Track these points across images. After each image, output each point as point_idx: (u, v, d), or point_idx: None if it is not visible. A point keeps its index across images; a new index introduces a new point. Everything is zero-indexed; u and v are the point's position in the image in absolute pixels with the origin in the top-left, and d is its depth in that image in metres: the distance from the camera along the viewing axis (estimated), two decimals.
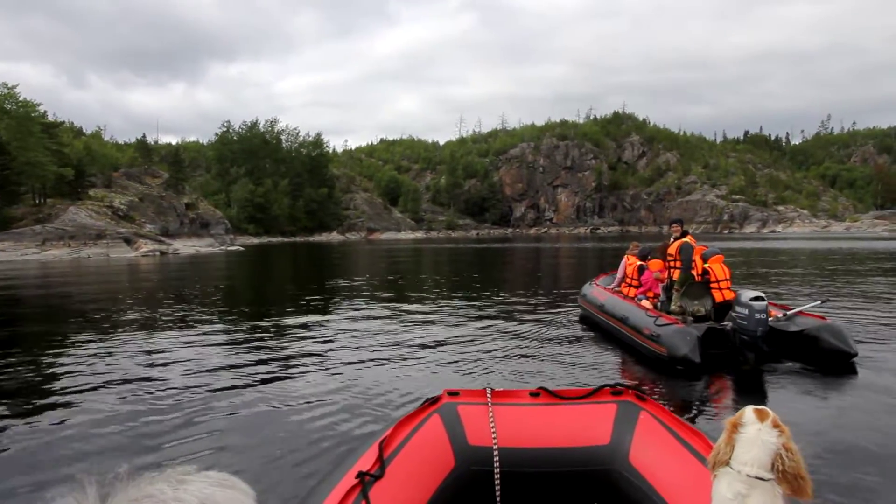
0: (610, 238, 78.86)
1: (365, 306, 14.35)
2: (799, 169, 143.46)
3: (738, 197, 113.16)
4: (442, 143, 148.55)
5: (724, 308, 8.71)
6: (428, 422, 3.02)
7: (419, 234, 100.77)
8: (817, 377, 7.40)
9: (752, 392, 7.11)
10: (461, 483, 2.85)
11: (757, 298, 7.29)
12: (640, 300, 9.43)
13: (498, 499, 2.87)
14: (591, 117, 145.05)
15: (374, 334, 10.39)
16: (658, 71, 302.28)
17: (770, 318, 7.42)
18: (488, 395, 3.17)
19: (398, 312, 13.08)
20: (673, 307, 8.69)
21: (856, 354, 7.50)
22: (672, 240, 9.53)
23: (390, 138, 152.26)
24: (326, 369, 7.87)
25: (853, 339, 7.70)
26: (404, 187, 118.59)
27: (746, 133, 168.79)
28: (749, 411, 1.94)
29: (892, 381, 7.14)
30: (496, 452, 2.88)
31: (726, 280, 9.01)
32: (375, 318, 12.39)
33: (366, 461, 2.65)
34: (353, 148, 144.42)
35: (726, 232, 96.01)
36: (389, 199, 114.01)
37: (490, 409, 3.07)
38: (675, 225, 9.52)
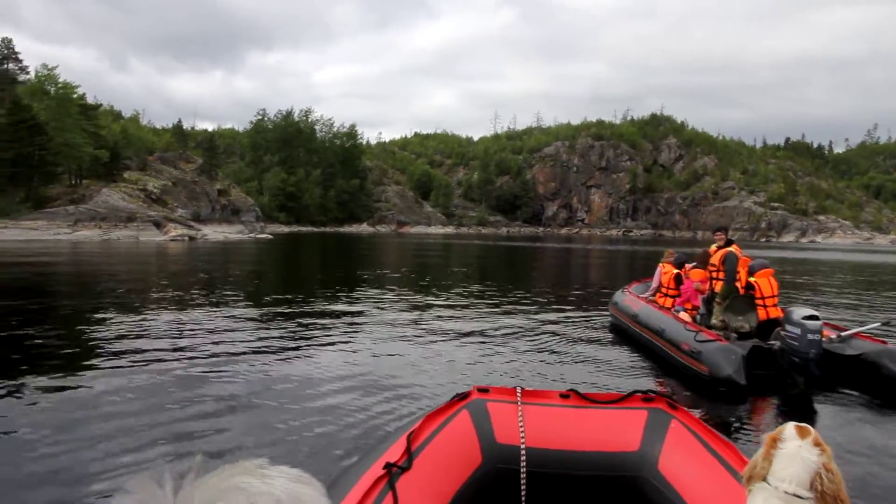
0: (642, 241, 77.52)
1: (393, 299, 14.25)
2: (841, 178, 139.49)
3: (776, 205, 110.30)
4: (476, 138, 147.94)
5: (768, 326, 8.04)
6: (457, 417, 3.00)
7: (449, 230, 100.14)
8: (875, 408, 6.70)
9: (799, 418, 6.42)
10: (487, 480, 2.83)
11: (811, 317, 6.63)
12: (678, 312, 8.76)
13: (523, 499, 2.83)
14: (629, 118, 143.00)
15: (402, 327, 10.45)
16: (694, 73, 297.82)
17: (823, 340, 6.75)
18: (518, 394, 3.15)
19: (426, 307, 13.03)
20: (714, 321, 8.02)
21: None
22: (715, 248, 8.85)
23: (424, 132, 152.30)
24: (354, 360, 7.89)
25: None
26: (436, 182, 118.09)
27: (787, 140, 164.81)
28: (790, 427, 1.88)
29: None
30: (523, 452, 2.86)
31: (773, 296, 8.32)
32: (404, 310, 12.37)
33: (393, 453, 2.62)
34: (387, 140, 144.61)
35: (763, 240, 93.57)
36: (421, 193, 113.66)
37: (519, 407, 3.05)
38: (718, 233, 8.81)
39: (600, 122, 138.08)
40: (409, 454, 2.61)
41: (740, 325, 7.68)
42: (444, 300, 14.42)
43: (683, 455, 2.81)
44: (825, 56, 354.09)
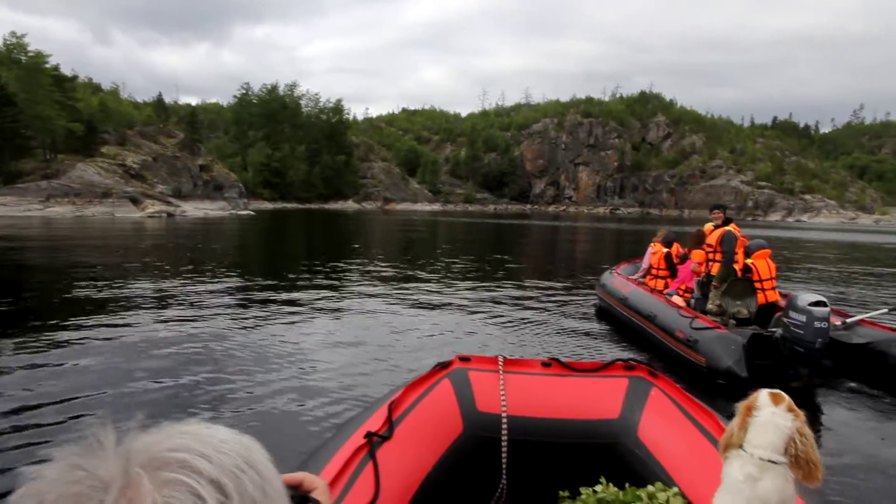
0: (629, 220, 77.19)
1: (378, 274, 14.18)
2: (827, 158, 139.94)
3: (764, 184, 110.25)
4: (464, 115, 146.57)
5: (766, 311, 7.47)
6: (438, 386, 2.99)
7: (436, 207, 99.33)
8: (884, 402, 6.16)
9: (806, 415, 5.89)
10: (468, 448, 2.83)
11: (818, 303, 6.03)
12: (671, 296, 8.15)
13: (504, 466, 2.85)
14: (618, 96, 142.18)
15: (386, 300, 10.51)
16: (688, 51, 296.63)
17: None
18: (500, 363, 3.14)
19: (411, 281, 13.02)
20: (710, 306, 7.42)
21: None
22: (711, 227, 8.25)
23: (412, 108, 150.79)
24: (337, 332, 7.91)
25: None
26: (423, 158, 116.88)
27: (775, 119, 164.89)
28: (764, 395, 1.93)
29: None
30: (505, 420, 2.87)
31: (772, 279, 7.74)
32: (389, 285, 12.40)
33: (374, 422, 2.61)
34: (374, 116, 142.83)
35: (750, 219, 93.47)
36: (408, 169, 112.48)
37: (501, 376, 3.05)
38: (716, 211, 8.16)
39: (589, 100, 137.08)
40: (391, 423, 2.59)
41: (738, 311, 7.09)
42: (430, 276, 14.21)
43: (663, 422, 2.83)
44: (817, 36, 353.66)
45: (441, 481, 2.63)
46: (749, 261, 7.63)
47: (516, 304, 10.65)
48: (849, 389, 6.42)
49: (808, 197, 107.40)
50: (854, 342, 6.57)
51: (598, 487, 2.65)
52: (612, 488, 2.61)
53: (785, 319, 6.29)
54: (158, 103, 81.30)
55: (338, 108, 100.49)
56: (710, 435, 2.51)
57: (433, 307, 10.11)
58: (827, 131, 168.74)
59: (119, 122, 61.16)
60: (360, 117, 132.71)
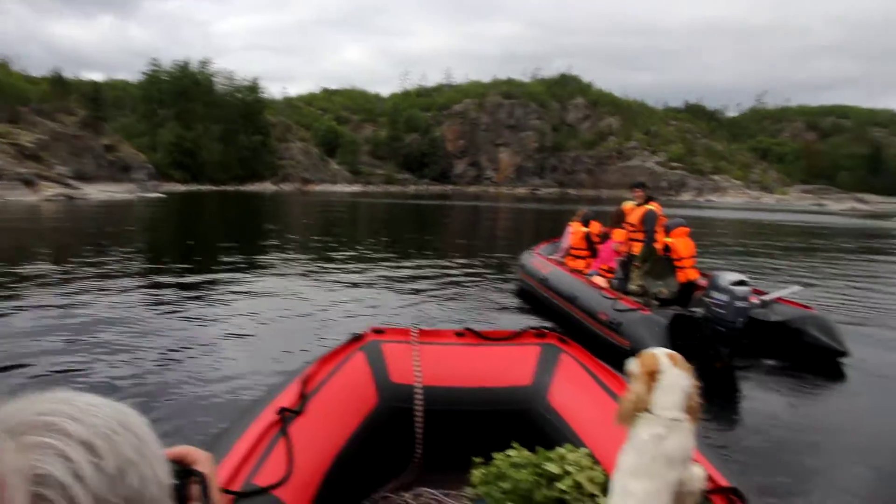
0: (549, 200, 78.31)
1: (296, 255, 14.04)
2: (733, 141, 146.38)
3: (676, 164, 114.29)
4: (385, 95, 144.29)
5: (686, 290, 7.42)
6: (351, 359, 2.98)
7: (356, 188, 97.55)
8: (801, 378, 6.21)
9: (723, 391, 5.90)
10: (383, 419, 2.83)
11: (739, 283, 5.96)
12: (592, 276, 7.98)
13: (419, 436, 2.88)
14: (538, 77, 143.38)
15: (303, 280, 10.49)
16: (607, 35, 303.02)
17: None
18: (413, 334, 3.16)
19: (330, 261, 13.01)
20: (632, 287, 7.29)
21: (847, 353, 6.30)
22: (632, 205, 8.14)
23: (332, 88, 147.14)
24: (253, 311, 7.82)
25: (842, 333, 6.48)
26: (343, 138, 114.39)
27: (686, 103, 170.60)
28: (663, 358, 2.02)
29: (885, 385, 6.00)
30: (419, 390, 2.88)
31: (691, 258, 7.70)
32: (306, 265, 12.33)
33: (286, 398, 2.58)
34: (293, 96, 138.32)
35: (663, 199, 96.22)
36: (327, 150, 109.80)
37: (414, 347, 3.06)
38: (637, 189, 8.04)
39: (510, 81, 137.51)
40: (303, 398, 2.57)
41: (660, 291, 6.98)
42: (348, 255, 14.19)
43: (572, 387, 2.90)
44: (728, 24, 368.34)
45: (356, 454, 2.63)
46: (668, 239, 7.55)
47: (435, 283, 10.65)
48: (767, 367, 6.43)
49: (716, 177, 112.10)
50: (771, 320, 6.58)
51: (511, 452, 2.65)
52: (525, 452, 2.62)
53: (707, 299, 6.20)
54: (56, 78, 75.82)
55: (254, 87, 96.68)
56: (617, 397, 2.49)
57: (351, 285, 10.12)
58: (733, 115, 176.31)
59: (10, 98, 56.59)
60: (277, 97, 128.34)
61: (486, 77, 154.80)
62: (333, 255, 14.30)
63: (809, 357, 6.37)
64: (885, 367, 6.54)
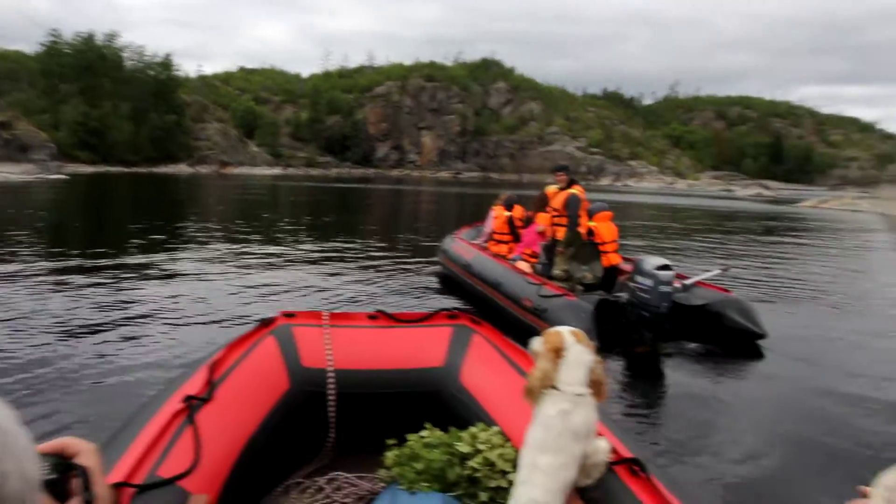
0: (472, 184, 78.55)
1: (212, 239, 13.58)
2: (649, 128, 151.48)
3: (595, 150, 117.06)
4: (306, 75, 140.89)
5: (609, 275, 7.36)
6: (261, 343, 2.91)
7: (276, 171, 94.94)
8: (720, 360, 6.25)
9: (647, 376, 5.86)
10: (295, 404, 2.79)
11: (663, 267, 5.90)
12: (516, 261, 7.81)
13: (332, 420, 2.87)
14: (460, 61, 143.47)
15: (218, 264, 10.12)
16: (529, 21, 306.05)
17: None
18: (325, 317, 3.12)
19: (246, 245, 12.68)
20: (557, 272, 7.15)
21: (765, 335, 6.36)
22: (556, 189, 8.01)
23: (250, 67, 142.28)
24: (163, 297, 7.54)
25: (759, 316, 6.55)
26: (262, 120, 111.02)
27: (605, 90, 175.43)
28: (568, 335, 2.06)
29: (801, 369, 6.10)
30: (331, 374, 2.87)
31: (613, 242, 7.64)
32: (221, 250, 11.94)
33: (193, 385, 2.51)
34: (209, 74, 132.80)
35: (583, 183, 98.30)
36: (246, 131, 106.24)
37: (326, 330, 3.02)
38: (559, 173, 7.88)
39: (433, 64, 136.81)
40: (211, 384, 2.50)
41: (584, 276, 6.87)
42: (266, 240, 13.87)
43: (484, 367, 2.91)
44: (645, 14, 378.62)
45: (267, 440, 2.57)
46: (592, 223, 7.45)
47: (354, 268, 10.44)
48: (689, 351, 6.43)
49: (633, 163, 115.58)
50: (693, 304, 6.58)
51: (424, 433, 2.65)
52: (438, 432, 2.62)
53: (631, 284, 6.12)
54: None
55: (166, 64, 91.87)
56: (527, 376, 2.44)
57: (268, 269, 9.86)
58: (649, 103, 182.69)
59: None
60: (192, 74, 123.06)
61: (408, 59, 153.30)
62: (251, 239, 13.86)
63: (729, 339, 6.41)
64: (798, 347, 6.67)
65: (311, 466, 2.95)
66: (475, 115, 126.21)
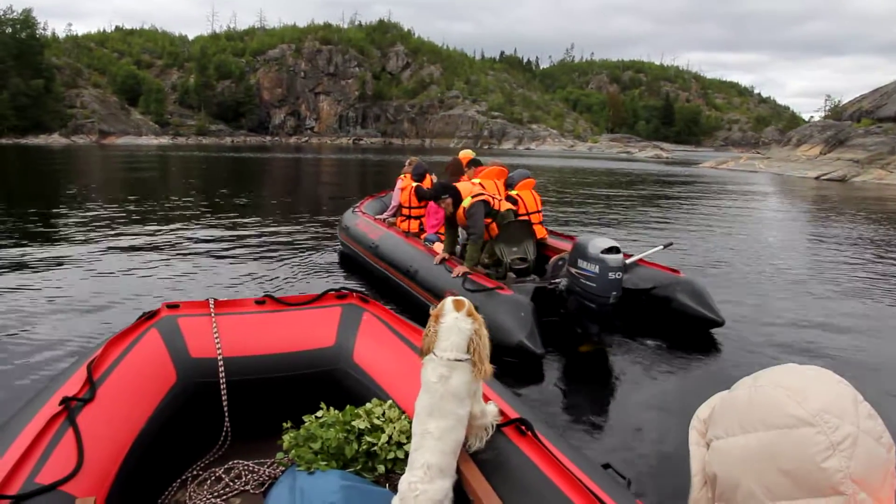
0: (373, 150, 76.66)
1: (89, 220, 12.33)
2: (546, 91, 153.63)
3: (496, 114, 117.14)
4: (191, 37, 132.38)
5: (539, 254, 6.36)
6: (144, 337, 2.84)
7: (164, 140, 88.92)
8: (672, 350, 5.41)
9: (595, 379, 4.94)
10: (185, 397, 2.75)
11: (611, 250, 4.92)
12: (431, 243, 6.62)
13: (225, 408, 2.82)
14: (356, 23, 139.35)
15: (95, 249, 9.27)
16: None
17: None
18: (211, 306, 3.06)
19: (129, 225, 11.80)
20: (485, 259, 6.02)
21: (721, 322, 5.54)
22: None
23: (128, 27, 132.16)
24: (31, 288, 6.88)
25: (713, 300, 5.72)
26: (146, 85, 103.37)
27: (502, 53, 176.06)
28: (448, 302, 2.13)
29: (760, 360, 5.34)
30: (221, 362, 2.82)
31: (538, 212, 6.65)
32: (101, 231, 10.89)
33: (72, 385, 2.43)
34: (80, 34, 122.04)
35: (486, 147, 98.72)
36: (128, 98, 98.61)
37: (213, 319, 2.98)
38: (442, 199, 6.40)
39: (328, 26, 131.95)
40: (91, 384, 2.42)
41: (515, 259, 5.80)
42: (151, 219, 12.86)
43: (375, 344, 2.95)
44: None
45: (158, 436, 2.52)
46: (514, 192, 6.36)
47: (247, 250, 9.67)
48: (638, 344, 5.54)
49: (534, 126, 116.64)
50: (638, 287, 5.67)
51: (319, 413, 2.64)
52: (333, 411, 2.62)
53: (573, 270, 5.10)
54: None
55: (28, 21, 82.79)
56: (418, 349, 2.44)
57: (153, 252, 9.18)
58: (546, 67, 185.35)
59: None
60: (60, 34, 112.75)
61: (301, 21, 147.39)
62: (134, 219, 12.71)
63: (680, 328, 5.58)
64: (756, 334, 5.93)
65: (207, 457, 2.86)
66: (374, 80, 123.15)
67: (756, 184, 31.05)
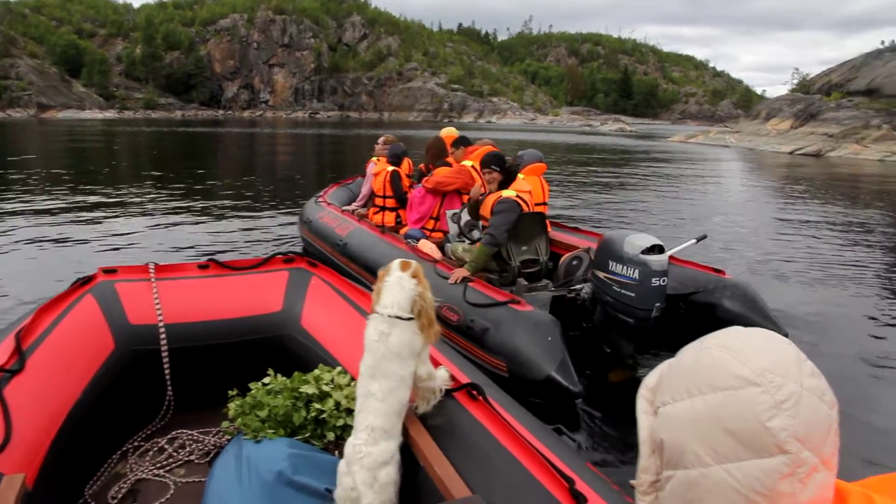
0: (330, 124, 74.24)
1: (18, 191, 11.87)
2: (505, 64, 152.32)
3: (456, 86, 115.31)
4: (136, 5, 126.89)
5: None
6: (79, 304, 2.71)
7: (110, 114, 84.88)
8: None
9: (628, 421, 3.90)
10: (123, 365, 2.66)
11: (653, 249, 3.89)
12: (415, 242, 5.41)
13: (168, 376, 2.77)
14: None
15: (24, 218, 9.09)
16: None
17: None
18: (151, 270, 2.95)
19: (63, 197, 11.21)
20: (491, 264, 4.85)
21: (784, 336, 4.52)
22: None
23: None
24: None
25: (768, 308, 4.71)
26: (88, 56, 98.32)
27: (460, 25, 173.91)
28: (395, 263, 2.12)
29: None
30: (162, 329, 2.76)
31: (544, 204, 5.57)
32: (29, 203, 10.50)
33: None
34: (13, 0, 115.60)
35: (446, 121, 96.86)
36: (69, 69, 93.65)
37: (154, 284, 2.89)
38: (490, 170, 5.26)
39: None
40: (20, 354, 2.31)
41: (526, 261, 4.69)
42: (92, 189, 12.35)
43: (323, 308, 2.90)
44: None
45: (95, 407, 2.43)
46: (521, 176, 5.22)
47: (192, 216, 9.45)
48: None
49: (495, 99, 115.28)
50: (676, 292, 4.62)
51: (266, 379, 2.56)
52: (280, 378, 2.55)
53: (602, 275, 4.05)
54: None
55: None
56: (365, 312, 2.47)
57: (90, 221, 8.85)
58: (504, 39, 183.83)
59: None
60: None
61: None
62: (77, 188, 12.32)
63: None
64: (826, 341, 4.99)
65: (149, 428, 2.80)
66: (330, 51, 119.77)
67: (730, 160, 30.60)
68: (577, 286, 4.36)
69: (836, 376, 4.31)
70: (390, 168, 6.54)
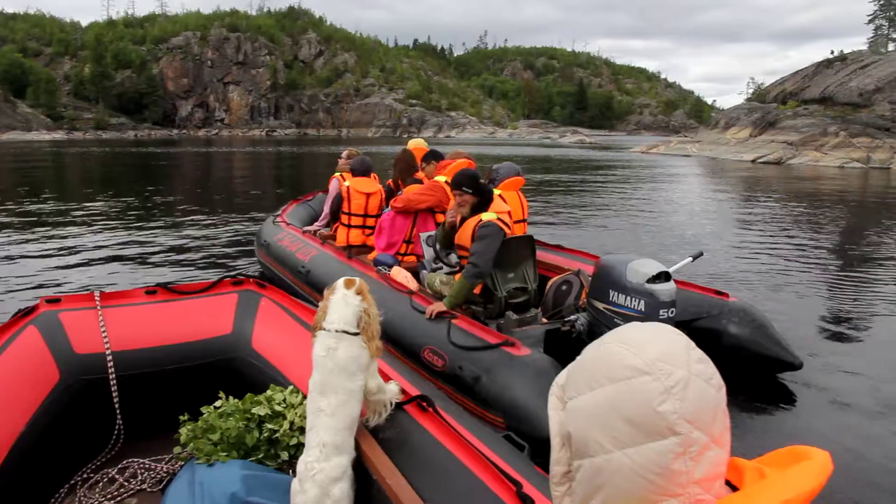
0: (288, 142, 73.18)
1: None
2: (462, 78, 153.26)
3: (414, 102, 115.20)
4: (84, 24, 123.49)
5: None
6: (21, 336, 2.64)
7: (58, 135, 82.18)
8: (737, 413, 3.99)
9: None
10: (70, 396, 2.61)
11: (659, 276, 3.45)
12: (387, 270, 4.87)
13: (117, 405, 2.71)
14: (265, 10, 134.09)
15: None
16: None
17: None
18: (96, 298, 2.91)
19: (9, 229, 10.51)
20: (474, 295, 4.34)
21: (800, 365, 4.15)
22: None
23: (9, 11, 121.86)
24: None
25: (780, 333, 4.32)
26: (34, 76, 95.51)
27: (416, 41, 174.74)
28: (340, 281, 2.16)
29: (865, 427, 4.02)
30: (110, 357, 2.70)
31: (523, 221, 5.12)
32: None
33: None
34: None
35: (405, 136, 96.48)
36: (13, 89, 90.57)
37: (100, 311, 2.85)
38: (461, 192, 4.80)
39: (234, 12, 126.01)
40: None
41: (515, 289, 4.19)
42: (35, 214, 11.99)
43: (273, 329, 2.91)
44: None
45: (40, 441, 2.39)
46: (497, 192, 4.72)
47: (139, 242, 9.11)
48: None
49: (453, 114, 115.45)
50: (678, 319, 4.18)
51: (218, 402, 2.53)
52: (233, 400, 2.53)
53: (600, 305, 3.60)
54: None
55: None
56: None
57: (32, 248, 8.62)
58: (460, 54, 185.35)
59: None
60: None
61: (206, 7, 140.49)
62: (17, 212, 12.01)
63: (736, 370, 4.19)
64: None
65: (99, 459, 2.74)
66: (286, 68, 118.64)
67: (694, 169, 30.79)
68: (571, 317, 3.90)
69: (873, 404, 3.93)
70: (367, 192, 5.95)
